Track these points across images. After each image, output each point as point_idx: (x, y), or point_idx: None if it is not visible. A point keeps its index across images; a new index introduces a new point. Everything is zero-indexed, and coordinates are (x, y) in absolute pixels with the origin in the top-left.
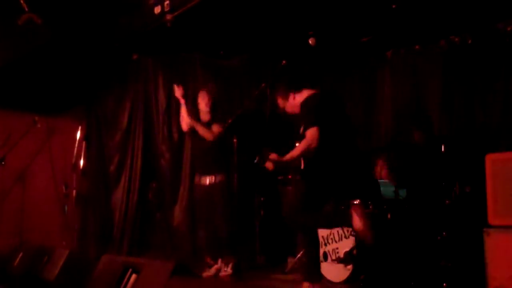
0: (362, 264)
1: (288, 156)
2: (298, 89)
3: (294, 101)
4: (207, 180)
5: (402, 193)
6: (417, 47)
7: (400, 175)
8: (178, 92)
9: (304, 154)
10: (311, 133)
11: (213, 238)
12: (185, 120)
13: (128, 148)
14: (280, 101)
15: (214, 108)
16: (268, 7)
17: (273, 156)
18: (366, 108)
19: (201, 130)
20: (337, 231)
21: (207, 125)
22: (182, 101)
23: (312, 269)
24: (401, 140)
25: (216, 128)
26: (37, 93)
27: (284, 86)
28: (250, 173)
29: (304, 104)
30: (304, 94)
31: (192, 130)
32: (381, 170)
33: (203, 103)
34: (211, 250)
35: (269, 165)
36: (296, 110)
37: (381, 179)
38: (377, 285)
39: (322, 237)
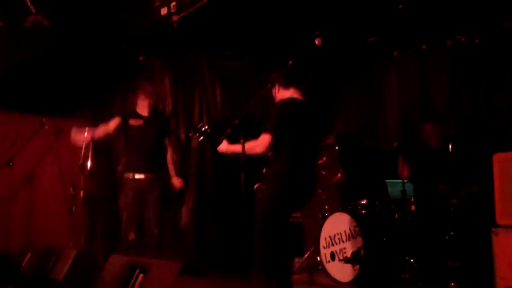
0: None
1: (231, 148)
2: (285, 85)
3: (276, 94)
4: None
5: (409, 192)
6: (424, 47)
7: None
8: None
9: (248, 153)
10: (263, 140)
11: None
12: None
13: None
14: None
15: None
16: (274, 7)
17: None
18: (372, 108)
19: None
20: (344, 231)
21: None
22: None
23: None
24: (409, 140)
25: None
26: (45, 95)
27: (280, 75)
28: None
29: (277, 104)
30: (287, 94)
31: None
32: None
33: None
34: None
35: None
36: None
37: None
38: (384, 284)
39: (330, 237)
